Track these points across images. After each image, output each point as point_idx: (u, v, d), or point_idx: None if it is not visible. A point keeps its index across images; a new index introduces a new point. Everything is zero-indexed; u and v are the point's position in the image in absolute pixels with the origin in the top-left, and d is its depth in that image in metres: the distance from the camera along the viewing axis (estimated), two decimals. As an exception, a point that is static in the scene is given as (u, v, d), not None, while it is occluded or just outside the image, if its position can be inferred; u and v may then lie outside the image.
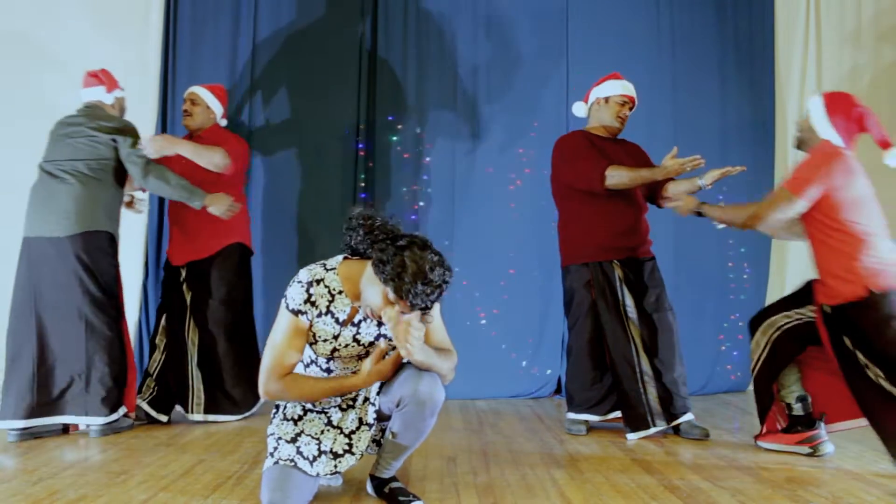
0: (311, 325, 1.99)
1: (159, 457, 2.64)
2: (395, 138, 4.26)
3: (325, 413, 2.10)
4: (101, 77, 3.30)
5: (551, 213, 3.60)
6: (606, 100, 3.29)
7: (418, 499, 2.08)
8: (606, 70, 3.41)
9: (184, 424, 3.27)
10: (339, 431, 2.07)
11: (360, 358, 2.08)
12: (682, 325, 3.24)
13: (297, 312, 1.97)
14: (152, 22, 4.06)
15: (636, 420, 3.05)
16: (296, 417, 2.09)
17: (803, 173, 2.59)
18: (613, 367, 3.12)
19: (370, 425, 2.08)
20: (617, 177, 3.10)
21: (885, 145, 2.65)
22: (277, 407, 2.15)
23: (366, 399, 2.11)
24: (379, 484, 2.14)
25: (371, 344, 2.05)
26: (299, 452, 2.00)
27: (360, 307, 1.98)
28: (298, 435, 2.04)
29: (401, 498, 2.07)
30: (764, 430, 2.83)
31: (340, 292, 2.00)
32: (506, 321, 4.19)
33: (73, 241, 3.03)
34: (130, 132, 3.21)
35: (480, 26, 4.36)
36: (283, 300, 1.99)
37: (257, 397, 3.51)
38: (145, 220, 3.98)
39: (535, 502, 2.12)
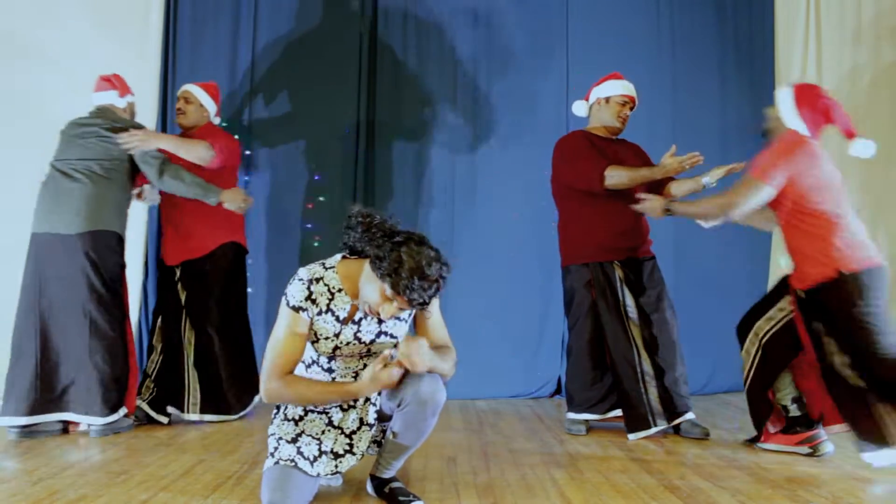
0: (311, 323, 1.99)
1: (159, 457, 2.64)
2: (395, 138, 4.26)
3: (326, 413, 2.09)
4: (114, 81, 3.34)
5: (551, 213, 3.60)
6: (607, 100, 3.29)
7: (418, 499, 2.08)
8: (606, 70, 3.41)
9: (184, 425, 3.27)
10: (339, 432, 2.07)
11: (362, 357, 2.08)
12: (682, 324, 3.24)
13: (297, 309, 1.96)
14: (152, 22, 4.06)
15: (637, 420, 3.05)
16: (296, 418, 2.09)
17: (768, 160, 2.66)
18: (614, 367, 3.13)
19: (371, 425, 2.08)
20: (616, 177, 3.10)
21: (849, 135, 2.72)
22: (278, 407, 2.15)
23: (367, 399, 2.11)
24: (379, 484, 2.14)
25: (372, 342, 2.06)
26: (300, 453, 1.99)
27: (360, 305, 1.98)
28: (299, 435, 2.03)
29: (401, 498, 2.07)
30: (762, 439, 2.84)
31: (340, 290, 2.00)
32: (506, 321, 4.20)
33: (82, 239, 3.05)
34: None
35: (480, 26, 4.36)
36: (283, 298, 1.99)
37: (253, 397, 3.52)
38: (145, 220, 3.98)
39: (535, 502, 2.12)
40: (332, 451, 2.03)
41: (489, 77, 4.33)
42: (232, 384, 3.40)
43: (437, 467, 2.52)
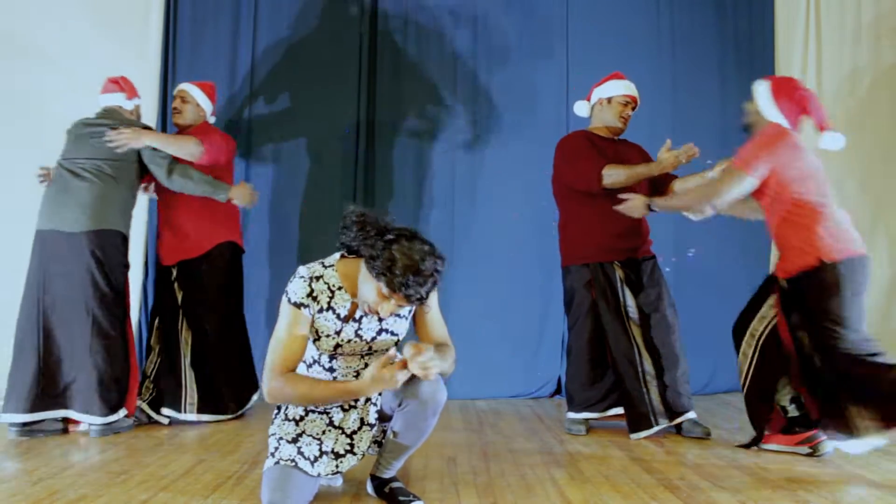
0: (313, 321, 1.99)
1: (159, 457, 2.64)
2: (395, 138, 4.26)
3: (327, 413, 2.09)
4: (122, 84, 3.37)
5: (551, 213, 3.60)
6: (609, 100, 3.28)
7: (418, 499, 2.08)
8: (606, 69, 3.41)
9: (183, 425, 3.27)
10: (340, 432, 2.07)
11: (363, 356, 2.08)
12: (682, 324, 3.24)
13: (299, 305, 1.96)
14: (152, 22, 4.06)
15: (639, 419, 3.05)
16: (297, 418, 2.09)
17: (751, 152, 2.70)
18: (615, 367, 3.13)
19: (372, 425, 2.08)
20: (614, 175, 3.10)
21: (821, 128, 2.77)
22: (279, 408, 2.15)
23: (367, 399, 2.11)
24: (379, 484, 2.14)
25: (373, 339, 2.05)
26: (300, 453, 1.99)
27: (359, 304, 1.98)
28: (300, 435, 2.03)
29: (401, 498, 2.07)
30: (762, 440, 2.84)
31: (340, 288, 2.00)
32: (506, 321, 4.19)
33: (88, 238, 3.06)
34: None
35: (480, 26, 4.36)
36: (284, 296, 1.98)
37: (250, 396, 3.52)
38: (145, 220, 3.98)
39: (535, 502, 2.12)
40: (332, 451, 2.03)
41: (489, 77, 4.33)
42: (229, 383, 3.40)
43: (437, 467, 2.52)
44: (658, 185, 3.25)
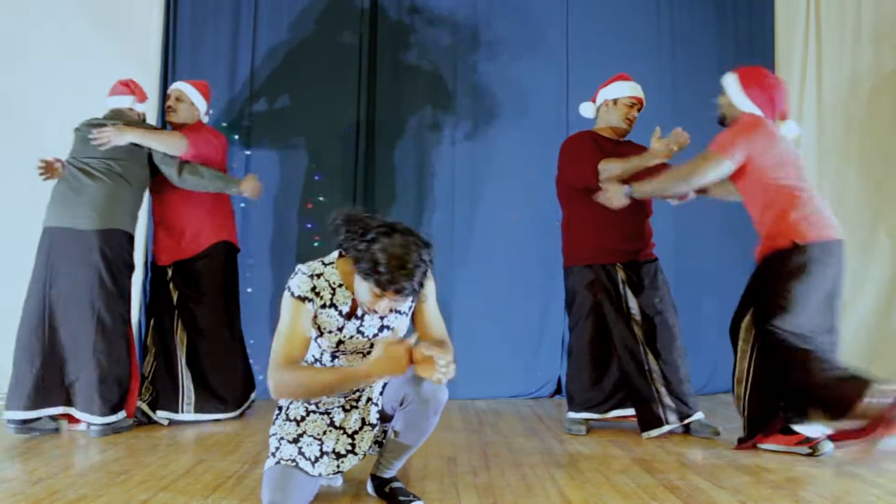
0: (315, 316, 1.98)
1: (159, 457, 2.64)
2: (395, 138, 4.26)
3: (328, 414, 2.09)
4: (132, 87, 3.38)
5: (552, 213, 3.60)
6: (615, 101, 3.27)
7: (418, 499, 2.08)
8: (606, 70, 3.41)
9: (183, 425, 3.27)
10: (341, 432, 2.07)
11: (365, 354, 2.08)
12: (682, 324, 3.24)
13: (303, 299, 1.95)
14: (152, 22, 4.06)
15: (651, 418, 3.06)
16: (298, 418, 2.09)
17: (728, 138, 2.77)
18: (623, 367, 3.13)
19: (373, 425, 2.08)
20: (609, 169, 3.10)
21: (782, 117, 2.84)
22: (280, 408, 2.15)
23: (368, 399, 2.11)
24: (380, 484, 2.14)
25: (375, 336, 2.05)
26: (301, 453, 1.99)
27: (358, 303, 1.98)
28: (301, 435, 2.03)
29: (401, 498, 2.07)
30: (756, 439, 2.83)
31: (341, 286, 2.00)
32: (506, 321, 4.19)
33: (97, 236, 3.07)
34: None
35: (480, 25, 4.36)
36: (285, 292, 1.97)
37: (249, 395, 3.52)
38: (145, 220, 3.97)
39: (535, 502, 2.12)
40: (333, 451, 2.03)
41: (489, 77, 4.33)
42: (226, 383, 3.40)
43: (437, 467, 2.52)
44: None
